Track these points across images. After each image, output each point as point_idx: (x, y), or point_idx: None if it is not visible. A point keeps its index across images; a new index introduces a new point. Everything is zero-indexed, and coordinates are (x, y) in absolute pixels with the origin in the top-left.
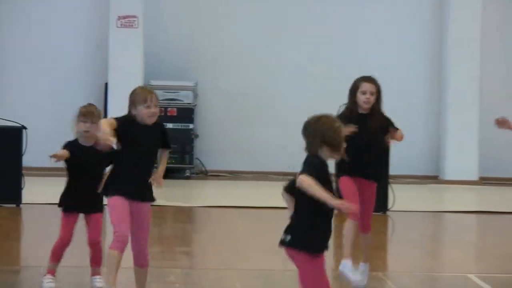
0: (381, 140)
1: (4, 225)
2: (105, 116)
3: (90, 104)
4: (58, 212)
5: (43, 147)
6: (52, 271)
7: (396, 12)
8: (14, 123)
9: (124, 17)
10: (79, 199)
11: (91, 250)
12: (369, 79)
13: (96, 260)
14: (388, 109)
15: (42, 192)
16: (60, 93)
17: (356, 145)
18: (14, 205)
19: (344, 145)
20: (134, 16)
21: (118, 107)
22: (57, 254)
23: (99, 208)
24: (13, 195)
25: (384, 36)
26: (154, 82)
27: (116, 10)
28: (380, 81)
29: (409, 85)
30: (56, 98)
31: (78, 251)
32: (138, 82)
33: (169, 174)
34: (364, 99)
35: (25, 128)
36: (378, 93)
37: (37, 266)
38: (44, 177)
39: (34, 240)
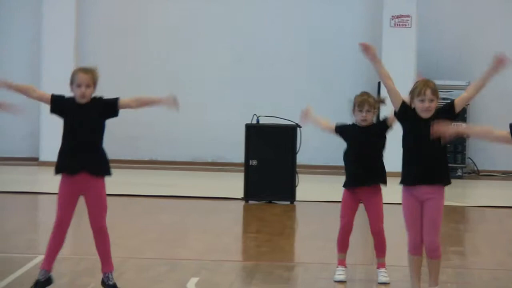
0: None
1: (279, 222)
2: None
3: (364, 93)
4: (330, 209)
5: (315, 145)
6: (341, 262)
7: None
8: (289, 121)
9: (397, 17)
10: (356, 174)
11: (373, 239)
12: None
13: (379, 249)
14: None
15: (315, 189)
16: (332, 92)
17: None
18: (288, 202)
19: None
20: (407, 16)
21: (391, 107)
22: (341, 243)
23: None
24: (288, 192)
25: None
26: None
27: (389, 9)
28: None
29: None
30: (328, 97)
31: (364, 248)
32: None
33: None
34: None
35: (299, 126)
36: None
37: (310, 262)
38: (316, 174)
39: (307, 237)
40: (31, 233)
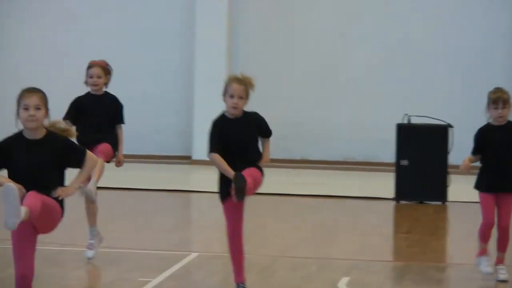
0: None
1: (430, 222)
2: None
3: (498, 89)
4: None
5: (468, 145)
6: (483, 251)
7: None
8: (440, 121)
9: None
10: (494, 180)
11: (499, 233)
12: None
13: (501, 244)
14: None
15: (467, 190)
16: (481, 88)
17: None
18: (440, 203)
19: None
20: None
21: None
22: (482, 236)
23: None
24: (439, 192)
25: None
26: None
27: None
28: None
29: None
30: (481, 98)
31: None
32: None
33: None
34: None
35: (451, 126)
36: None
37: (462, 263)
38: (468, 175)
39: (459, 238)
40: (185, 231)
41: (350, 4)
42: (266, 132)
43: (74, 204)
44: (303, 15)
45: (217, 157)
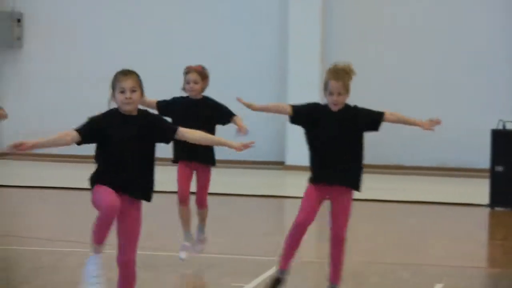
0: None
1: None
2: None
3: None
4: None
5: None
6: None
7: None
8: None
9: None
10: None
11: None
12: None
13: None
14: None
15: None
16: None
17: None
18: None
19: None
20: None
21: None
22: None
23: None
24: None
25: None
26: None
27: None
28: None
29: None
30: None
31: None
32: None
33: None
34: None
35: None
36: None
37: None
38: None
39: None
40: (279, 236)
41: (443, 2)
42: (373, 115)
43: (165, 210)
44: (395, 17)
45: (284, 105)
